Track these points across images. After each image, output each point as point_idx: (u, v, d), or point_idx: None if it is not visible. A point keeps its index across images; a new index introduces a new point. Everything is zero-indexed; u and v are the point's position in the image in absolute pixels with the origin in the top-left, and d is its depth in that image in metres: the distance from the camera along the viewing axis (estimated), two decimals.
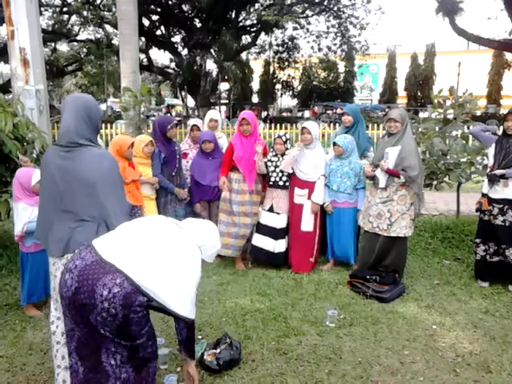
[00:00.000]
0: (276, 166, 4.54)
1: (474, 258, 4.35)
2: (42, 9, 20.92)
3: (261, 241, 4.59)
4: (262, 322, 3.49)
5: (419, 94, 37.11)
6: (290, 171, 4.49)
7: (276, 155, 4.56)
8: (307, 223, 4.54)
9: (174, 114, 33.49)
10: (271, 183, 4.57)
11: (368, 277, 4.04)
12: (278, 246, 4.56)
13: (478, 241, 4.25)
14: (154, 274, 1.99)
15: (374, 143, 6.50)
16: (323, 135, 13.89)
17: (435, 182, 5.43)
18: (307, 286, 4.19)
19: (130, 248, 2.05)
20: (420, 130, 5.63)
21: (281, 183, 4.53)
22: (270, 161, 4.56)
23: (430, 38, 59.04)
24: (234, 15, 23.02)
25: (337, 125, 13.79)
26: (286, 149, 4.53)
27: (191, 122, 5.00)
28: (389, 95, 37.52)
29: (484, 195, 4.18)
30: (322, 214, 4.62)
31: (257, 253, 4.64)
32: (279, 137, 4.56)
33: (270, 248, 4.56)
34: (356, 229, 4.60)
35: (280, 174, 4.53)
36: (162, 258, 2.05)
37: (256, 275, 4.45)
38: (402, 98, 37.71)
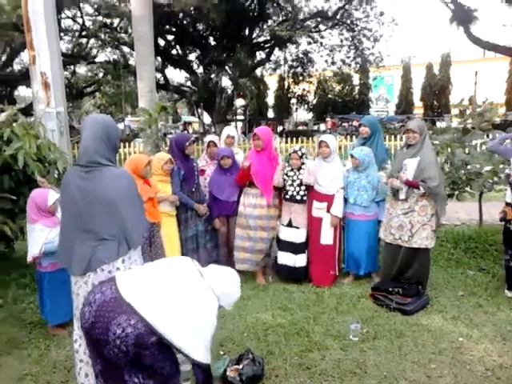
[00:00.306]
0: (293, 181, 4.53)
1: (504, 266, 4.24)
2: (62, 33, 21.51)
3: (283, 257, 4.58)
4: (285, 336, 3.46)
5: (435, 103, 36.83)
6: (312, 183, 4.48)
7: (292, 170, 4.56)
8: (327, 236, 4.50)
9: (190, 131, 33.89)
10: (288, 197, 4.56)
11: (391, 289, 3.98)
12: (299, 260, 4.54)
13: (505, 249, 4.15)
14: (170, 319, 2.00)
15: (392, 155, 6.48)
16: (340, 147, 13.84)
17: (457, 192, 5.35)
18: (329, 299, 4.15)
19: (149, 290, 2.07)
20: (439, 141, 5.57)
21: (298, 197, 4.52)
22: (286, 175, 4.56)
23: (445, 48, 58.88)
24: (247, 32, 23.30)
25: (353, 137, 13.72)
26: (302, 163, 4.53)
27: (208, 138, 5.03)
28: (405, 106, 37.32)
29: (508, 204, 4.10)
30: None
31: (280, 269, 4.65)
32: (295, 152, 4.56)
33: (290, 263, 4.54)
34: (376, 241, 4.54)
35: (297, 189, 4.52)
36: (179, 304, 2.06)
37: (277, 290, 4.42)
38: (418, 109, 37.48)
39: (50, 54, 7.36)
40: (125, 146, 13.15)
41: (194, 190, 4.52)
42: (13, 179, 4.24)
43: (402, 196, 4.13)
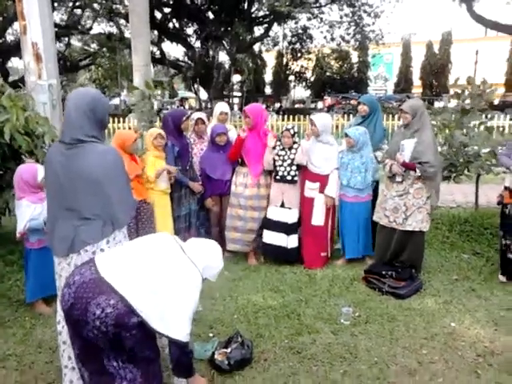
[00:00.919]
0: (283, 160, 4.42)
1: (499, 251, 4.18)
2: (56, 4, 20.98)
3: (272, 237, 4.49)
4: (275, 319, 3.41)
5: (435, 82, 36.43)
6: (304, 163, 4.38)
7: (283, 149, 4.45)
8: (318, 217, 4.42)
9: (186, 106, 33.49)
10: (278, 178, 4.45)
11: (384, 272, 3.92)
12: (291, 241, 4.46)
13: (501, 233, 4.09)
14: (150, 297, 1.97)
15: (389, 135, 6.37)
16: (337, 126, 13.71)
17: (454, 175, 5.26)
18: (321, 281, 4.10)
19: (129, 269, 2.04)
20: (436, 121, 5.45)
21: (289, 178, 4.41)
22: (277, 155, 4.45)
23: (446, 26, 58.03)
24: (246, 6, 22.78)
25: (351, 116, 13.57)
26: (295, 142, 4.42)
27: (195, 115, 4.84)
28: (404, 85, 36.92)
29: (506, 188, 4.02)
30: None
31: (269, 250, 4.54)
32: (287, 130, 4.44)
33: (282, 244, 4.46)
34: (369, 224, 4.46)
35: (288, 169, 4.41)
36: (161, 281, 2.03)
37: (269, 271, 4.36)
38: (417, 88, 37.11)
39: (42, 23, 7.12)
40: (119, 121, 12.95)
41: (188, 167, 4.41)
42: None
43: (398, 178, 4.05)
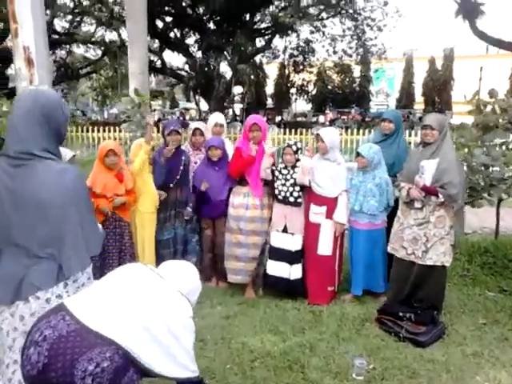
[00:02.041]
0: (286, 180, 3.94)
1: None
2: (58, 12, 20.71)
3: (275, 267, 3.97)
4: (275, 371, 2.88)
5: (437, 99, 36.15)
6: (307, 184, 3.90)
7: (286, 167, 3.97)
8: (325, 246, 3.91)
9: (187, 117, 33.15)
10: (281, 198, 3.96)
11: (401, 314, 3.40)
12: (294, 271, 3.95)
13: None
14: (147, 338, 1.72)
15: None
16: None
17: (473, 199, 4.76)
18: (328, 321, 3.57)
19: (115, 312, 1.71)
20: (454, 139, 4.97)
21: (291, 199, 3.92)
22: (280, 172, 3.97)
23: (449, 42, 58.14)
24: (248, 17, 22.53)
25: (354, 130, 13.11)
26: (297, 160, 3.94)
27: (193, 125, 4.42)
28: (406, 100, 36.60)
29: None
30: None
31: (270, 281, 4.03)
32: (289, 146, 3.97)
33: (285, 274, 3.94)
34: (384, 254, 3.95)
35: (291, 189, 3.92)
36: (153, 319, 1.76)
37: (268, 306, 3.84)
38: (419, 104, 36.78)
39: (35, 27, 6.75)
40: (109, 131, 12.52)
41: (172, 185, 3.94)
42: None
43: (417, 204, 3.55)
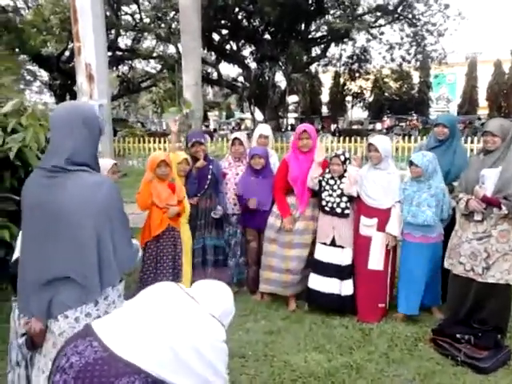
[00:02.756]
0: (333, 190, 3.78)
1: None
2: (121, 30, 21.74)
3: (321, 283, 3.79)
4: None
5: (503, 103, 34.24)
6: (354, 194, 3.71)
7: (332, 178, 3.80)
8: (376, 260, 3.69)
9: (243, 127, 33.54)
10: (327, 210, 3.80)
11: (459, 336, 3.12)
12: (346, 287, 3.76)
13: None
14: (177, 363, 1.61)
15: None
16: (396, 149, 12.82)
17: None
18: (377, 341, 3.35)
19: (144, 338, 1.61)
20: None
21: (338, 210, 3.75)
22: (327, 183, 3.82)
23: None
24: (303, 27, 22.49)
25: (412, 137, 12.61)
26: (345, 170, 3.77)
27: (233, 135, 4.35)
28: (468, 106, 35.01)
29: None
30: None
31: (315, 297, 3.85)
32: (336, 156, 3.80)
33: (335, 291, 3.76)
34: (439, 270, 3.67)
35: (338, 200, 3.75)
36: (185, 345, 1.64)
37: (314, 322, 3.66)
38: (482, 109, 35.04)
39: (96, 45, 7.15)
40: (165, 142, 12.85)
41: (199, 194, 3.92)
42: (16, 177, 3.76)
43: (477, 217, 3.26)
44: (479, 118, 22.81)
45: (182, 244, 3.75)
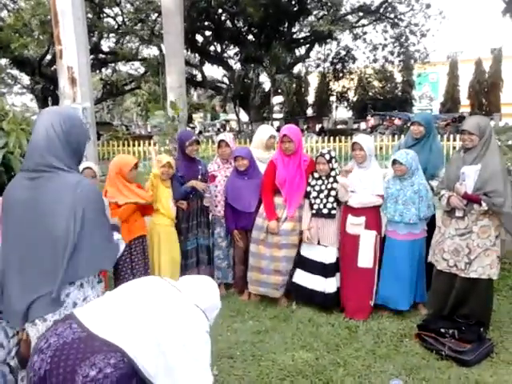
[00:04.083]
0: (320, 191, 3.80)
1: None
2: (103, 33, 21.57)
3: (306, 278, 3.84)
4: None
5: (484, 101, 34.73)
6: (348, 199, 3.75)
7: (320, 177, 3.83)
8: (366, 258, 3.72)
9: (227, 128, 33.51)
10: (314, 211, 3.83)
11: (443, 330, 3.17)
12: (329, 285, 3.79)
13: None
14: (157, 351, 1.62)
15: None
16: (381, 148, 12.94)
17: None
18: (364, 338, 3.39)
19: (125, 321, 1.63)
20: (501, 142, 4.68)
21: (325, 211, 3.78)
22: (310, 185, 3.86)
23: (496, 42, 56.01)
24: (286, 28, 22.58)
25: (402, 136, 12.73)
26: (332, 169, 3.79)
27: (219, 137, 4.33)
28: (450, 104, 35.44)
29: None
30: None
31: (300, 292, 3.90)
32: (321, 155, 3.82)
33: (319, 288, 3.80)
34: (424, 265, 3.72)
35: (324, 201, 3.78)
36: (165, 331, 1.66)
37: (301, 320, 3.69)
38: (464, 107, 35.48)
39: (77, 48, 7.18)
40: (150, 144, 12.79)
41: (192, 196, 3.95)
42: None
43: (458, 213, 3.32)
44: (461, 117, 23.02)
45: (161, 244, 3.76)
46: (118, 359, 1.54)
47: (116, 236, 2.02)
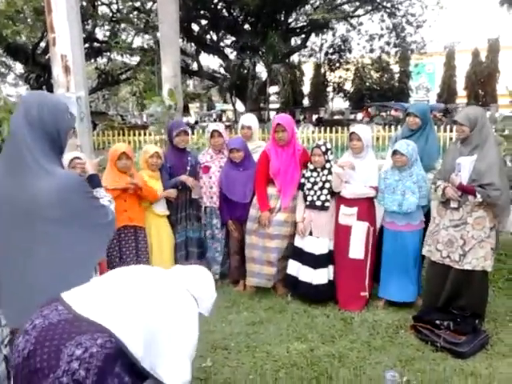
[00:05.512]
0: (314, 183, 3.77)
1: None
2: (98, 21, 21.31)
3: (299, 270, 3.84)
4: (300, 383, 2.72)
5: (481, 92, 34.70)
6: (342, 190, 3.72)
7: (314, 169, 3.79)
8: (357, 249, 3.71)
9: (224, 118, 33.34)
10: (307, 203, 3.80)
11: (438, 322, 3.16)
12: (318, 276, 3.77)
13: None
14: (143, 333, 1.57)
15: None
16: (377, 138, 12.92)
17: None
18: (359, 329, 3.38)
19: (113, 303, 1.59)
20: (497, 132, 4.67)
21: (318, 203, 3.75)
22: (303, 176, 3.83)
23: (493, 33, 55.80)
24: (283, 17, 22.38)
25: (399, 127, 12.70)
26: (328, 161, 3.75)
27: (211, 127, 4.26)
28: (447, 95, 35.40)
29: None
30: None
31: (294, 284, 3.89)
32: (317, 147, 3.78)
33: (307, 279, 3.78)
34: (420, 257, 3.71)
35: (318, 193, 3.75)
36: (152, 314, 1.63)
37: (296, 311, 3.68)
38: (461, 98, 35.48)
39: (71, 36, 7.00)
40: (145, 134, 12.72)
41: (180, 187, 3.90)
42: None
43: (453, 204, 3.30)
44: (447, 110, 22.92)
45: (151, 239, 3.73)
46: (105, 339, 1.50)
47: (101, 193, 2.01)
